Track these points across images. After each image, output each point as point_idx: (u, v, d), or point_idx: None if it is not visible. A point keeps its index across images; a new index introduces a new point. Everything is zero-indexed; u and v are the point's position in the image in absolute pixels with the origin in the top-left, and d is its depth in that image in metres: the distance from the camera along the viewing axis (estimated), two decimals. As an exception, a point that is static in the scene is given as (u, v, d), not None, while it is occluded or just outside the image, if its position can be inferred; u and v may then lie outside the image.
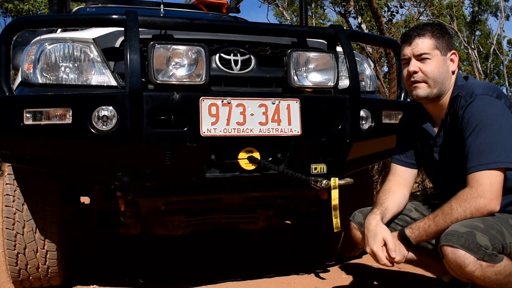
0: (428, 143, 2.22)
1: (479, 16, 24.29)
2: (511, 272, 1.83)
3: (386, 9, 11.11)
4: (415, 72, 2.06)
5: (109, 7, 4.53)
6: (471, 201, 1.87)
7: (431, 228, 1.94)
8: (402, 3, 11.71)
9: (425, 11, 15.28)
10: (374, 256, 2.05)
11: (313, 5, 15.37)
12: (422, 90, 2.08)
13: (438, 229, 1.91)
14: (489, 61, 24.41)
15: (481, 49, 25.99)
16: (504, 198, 1.92)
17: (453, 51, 2.12)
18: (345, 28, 2.62)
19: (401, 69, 2.50)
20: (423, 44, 2.06)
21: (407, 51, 2.09)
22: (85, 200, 3.22)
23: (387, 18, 10.22)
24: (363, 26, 14.20)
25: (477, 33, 25.74)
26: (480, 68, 22.68)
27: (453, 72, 2.12)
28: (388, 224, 2.17)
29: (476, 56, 22.66)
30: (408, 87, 2.15)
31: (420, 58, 2.06)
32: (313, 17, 19.25)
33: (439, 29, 2.10)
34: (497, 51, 24.13)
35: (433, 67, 2.06)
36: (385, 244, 2.03)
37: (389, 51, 5.99)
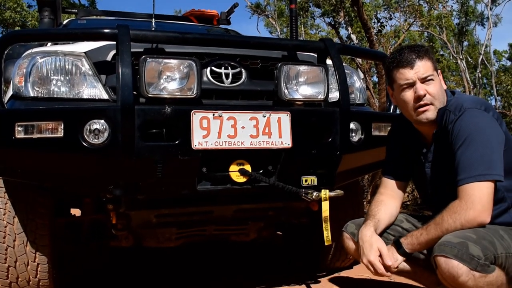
0: (419, 158, 2.25)
1: (466, 27, 24.52)
2: (502, 282, 1.86)
3: (375, 20, 11.21)
4: (424, 95, 2.08)
5: (100, 19, 4.55)
6: (461, 213, 1.90)
7: (423, 236, 1.98)
8: (392, 14, 11.84)
9: (415, 22, 15.42)
10: (371, 266, 2.08)
11: (302, 16, 15.45)
12: (431, 112, 2.10)
13: (430, 238, 1.94)
14: (478, 71, 24.62)
15: (470, 59, 26.23)
16: (494, 209, 1.95)
17: (439, 69, 2.17)
18: (335, 39, 2.65)
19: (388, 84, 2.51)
20: (426, 66, 2.08)
21: (410, 75, 2.08)
22: (76, 212, 3.22)
23: (377, 29, 10.31)
24: (353, 36, 14.31)
25: (465, 43, 25.98)
26: (469, 78, 22.88)
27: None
28: (380, 234, 2.20)
29: (464, 66, 22.85)
30: (412, 111, 2.13)
31: (425, 80, 2.08)
32: (303, 27, 19.34)
33: (428, 50, 2.13)
34: (485, 61, 24.36)
35: (437, 88, 2.09)
36: (380, 255, 2.06)
37: (379, 62, 6.04)
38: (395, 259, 2.06)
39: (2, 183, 2.52)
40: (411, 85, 2.10)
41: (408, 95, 2.11)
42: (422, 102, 2.08)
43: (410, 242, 2.03)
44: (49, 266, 2.57)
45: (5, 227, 2.48)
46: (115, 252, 4.15)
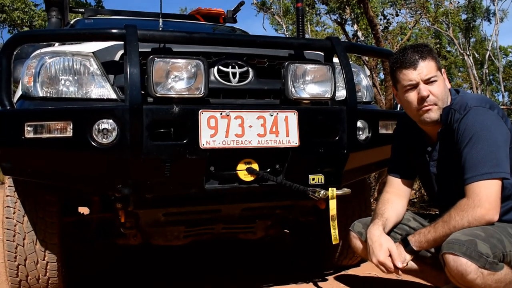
0: (424, 157, 2.25)
1: (473, 23, 24.39)
2: (511, 280, 1.86)
3: (382, 17, 11.17)
4: (427, 96, 2.07)
5: (106, 19, 4.56)
6: (469, 211, 1.90)
7: (430, 234, 1.98)
8: (398, 11, 11.81)
9: (421, 19, 15.35)
10: (382, 266, 2.08)
11: (308, 12, 15.42)
12: (434, 113, 2.09)
13: (437, 236, 1.95)
14: (485, 67, 24.51)
15: (476, 55, 26.11)
16: (501, 207, 1.96)
17: (442, 68, 2.16)
18: (341, 36, 2.65)
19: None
20: (429, 66, 2.07)
21: (413, 76, 2.07)
22: (84, 210, 3.24)
23: (383, 26, 10.28)
24: (359, 33, 14.27)
25: (472, 39, 25.86)
26: (476, 74, 22.76)
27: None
28: (388, 233, 2.20)
29: (471, 63, 22.74)
30: (416, 112, 2.13)
31: (428, 81, 2.07)
32: (309, 24, 19.30)
33: (431, 49, 2.11)
34: (492, 57, 24.24)
35: (441, 88, 2.08)
36: (389, 255, 2.07)
37: (385, 60, 6.02)
38: (403, 259, 2.06)
39: (11, 182, 2.55)
40: (415, 86, 2.09)
41: (412, 96, 2.11)
42: (425, 103, 2.08)
43: (417, 239, 2.04)
44: (58, 264, 2.59)
45: (15, 225, 2.51)
46: (120, 251, 4.16)
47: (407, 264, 2.08)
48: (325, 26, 20.92)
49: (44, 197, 2.53)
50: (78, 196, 2.82)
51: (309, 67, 2.43)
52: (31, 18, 17.75)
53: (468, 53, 22.76)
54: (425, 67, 2.07)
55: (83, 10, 5.23)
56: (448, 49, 24.53)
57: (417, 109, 2.12)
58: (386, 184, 2.41)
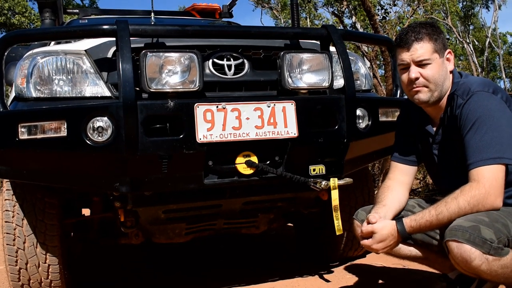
0: (427, 140, 2.22)
1: (472, 10, 24.32)
2: None
3: (379, 7, 11.12)
4: (417, 79, 2.03)
5: (101, 18, 4.54)
6: (472, 196, 1.86)
7: (427, 215, 1.92)
8: (395, 1, 11.72)
9: (418, 8, 15.28)
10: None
11: (306, 6, 15.37)
12: (423, 94, 2.05)
13: (437, 218, 1.89)
14: (485, 54, 24.42)
15: (476, 43, 26.02)
16: (506, 192, 1.92)
17: (448, 50, 2.10)
18: (338, 27, 2.61)
19: (396, 68, 2.46)
20: (423, 49, 2.02)
21: (406, 57, 2.04)
22: (86, 212, 3.22)
23: (381, 16, 10.23)
24: (358, 25, 14.23)
25: (471, 27, 25.77)
26: (477, 62, 22.69)
27: (450, 72, 2.11)
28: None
29: (471, 50, 22.66)
30: (408, 92, 2.11)
31: (420, 64, 2.03)
32: (307, 18, 19.25)
33: (434, 30, 2.05)
34: (492, 44, 24.14)
35: (434, 71, 2.03)
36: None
37: (384, 49, 5.98)
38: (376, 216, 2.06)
39: (9, 186, 2.53)
40: (407, 66, 2.06)
41: (404, 76, 2.08)
42: (414, 85, 2.05)
43: (413, 218, 1.98)
44: (60, 266, 2.57)
45: (14, 229, 2.49)
46: (122, 250, 4.14)
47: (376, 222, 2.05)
48: (322, 19, 20.85)
49: (43, 199, 2.51)
50: (78, 197, 2.80)
51: (305, 56, 2.39)
52: (31, 22, 17.75)
53: (467, 40, 22.69)
54: (419, 49, 2.02)
55: (77, 11, 5.20)
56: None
57: (408, 89, 2.10)
58: (389, 170, 2.37)
